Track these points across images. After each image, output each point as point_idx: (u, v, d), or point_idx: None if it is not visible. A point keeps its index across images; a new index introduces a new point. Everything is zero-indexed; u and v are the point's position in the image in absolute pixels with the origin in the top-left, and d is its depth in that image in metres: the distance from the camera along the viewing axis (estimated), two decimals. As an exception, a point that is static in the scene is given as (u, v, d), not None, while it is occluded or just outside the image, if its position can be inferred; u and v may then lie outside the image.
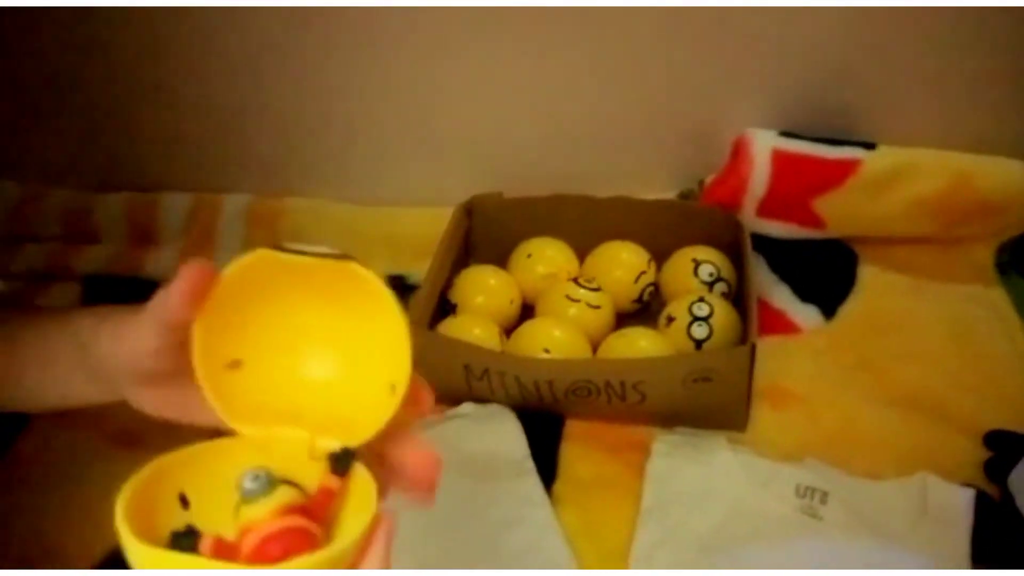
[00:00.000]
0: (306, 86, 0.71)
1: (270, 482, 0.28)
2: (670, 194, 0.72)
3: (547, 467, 0.56)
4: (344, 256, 0.31)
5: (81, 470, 0.58)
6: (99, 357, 0.36)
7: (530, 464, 0.56)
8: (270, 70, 0.71)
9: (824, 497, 0.50)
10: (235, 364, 0.33)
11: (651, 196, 0.69)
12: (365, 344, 0.32)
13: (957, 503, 0.49)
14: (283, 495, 0.29)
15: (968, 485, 0.50)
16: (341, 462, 0.30)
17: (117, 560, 0.27)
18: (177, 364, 0.33)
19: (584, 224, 0.68)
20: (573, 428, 0.59)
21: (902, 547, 0.48)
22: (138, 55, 0.70)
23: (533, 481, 0.55)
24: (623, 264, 0.66)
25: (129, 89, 0.73)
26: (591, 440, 0.58)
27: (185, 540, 0.27)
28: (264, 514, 0.28)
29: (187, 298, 0.30)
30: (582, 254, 0.68)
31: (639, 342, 0.59)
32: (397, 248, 0.74)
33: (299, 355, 0.33)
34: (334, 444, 0.31)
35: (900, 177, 0.64)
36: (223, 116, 0.75)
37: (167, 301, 0.31)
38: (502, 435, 0.58)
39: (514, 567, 0.49)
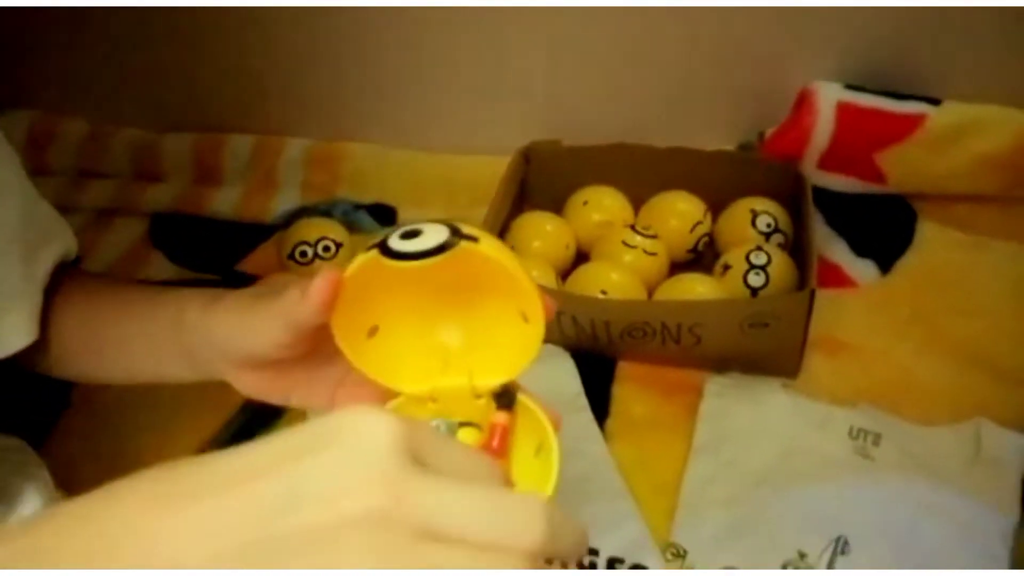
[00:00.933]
0: (367, 33, 0.73)
1: (450, 427, 0.29)
2: (729, 146, 0.72)
3: (600, 406, 0.58)
4: (456, 236, 0.30)
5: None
6: (201, 339, 0.37)
7: (583, 401, 0.57)
8: (332, 16, 0.72)
9: (877, 439, 0.51)
10: (372, 331, 0.34)
11: (711, 148, 0.70)
12: (485, 288, 0.33)
13: (1010, 448, 0.49)
14: (467, 437, 0.30)
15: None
16: (506, 397, 0.31)
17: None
18: (296, 355, 0.35)
19: (641, 174, 0.69)
20: (625, 370, 0.60)
21: (954, 489, 0.48)
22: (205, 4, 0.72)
23: (587, 417, 0.56)
24: (679, 213, 0.67)
25: (196, 33, 0.75)
26: (644, 381, 0.59)
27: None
28: None
29: (321, 308, 0.32)
30: (638, 203, 0.69)
31: (696, 287, 0.60)
32: (454, 194, 0.75)
33: (427, 314, 0.34)
34: (494, 382, 0.32)
35: (965, 133, 0.63)
36: (286, 61, 0.76)
37: (301, 307, 0.32)
38: (557, 373, 0.59)
39: (570, 494, 0.51)
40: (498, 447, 0.30)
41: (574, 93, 0.74)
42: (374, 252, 0.30)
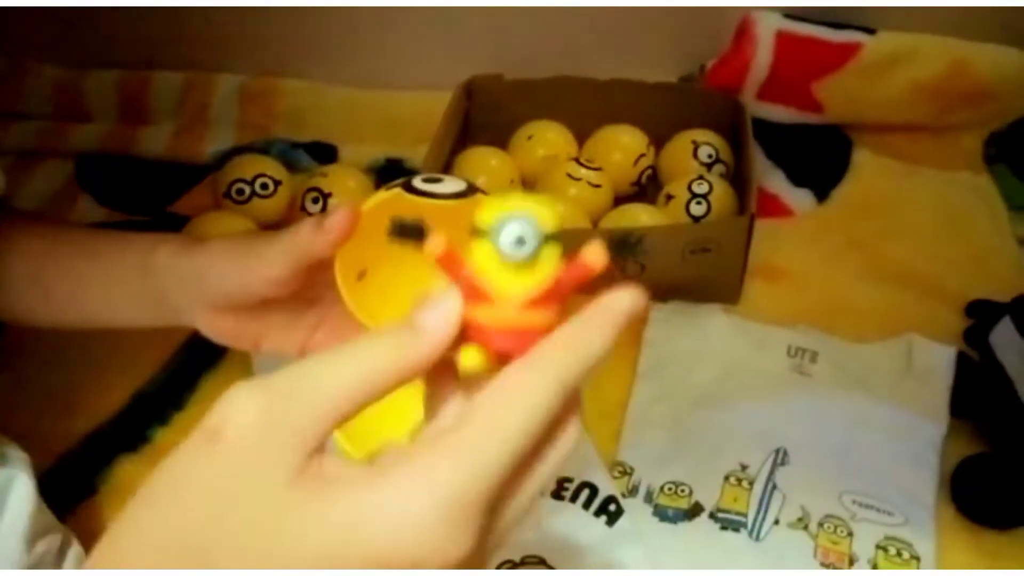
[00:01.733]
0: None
1: (537, 237, 0.22)
2: (671, 78, 0.72)
3: (546, 336, 0.58)
4: (472, 190, 0.30)
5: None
6: (178, 281, 0.36)
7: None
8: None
9: (814, 356, 0.53)
10: (361, 275, 0.34)
11: (653, 80, 0.69)
12: None
13: (939, 360, 0.51)
14: (547, 263, 0.23)
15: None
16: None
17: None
18: (282, 294, 0.34)
19: (584, 106, 0.68)
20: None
21: (887, 401, 0.50)
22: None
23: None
24: (622, 147, 0.67)
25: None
26: (589, 311, 0.60)
27: (411, 227, 0.23)
28: (525, 289, 0.22)
29: (337, 240, 0.32)
30: (582, 137, 0.69)
31: (640, 216, 0.60)
32: (395, 131, 0.74)
33: (422, 262, 0.33)
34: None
35: (899, 62, 0.65)
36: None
37: (316, 238, 0.32)
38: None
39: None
40: (565, 293, 0.23)
41: (514, 26, 0.73)
42: (397, 189, 0.30)
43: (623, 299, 0.24)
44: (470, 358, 0.23)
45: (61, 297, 0.41)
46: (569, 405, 0.23)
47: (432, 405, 0.24)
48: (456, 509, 0.20)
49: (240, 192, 0.65)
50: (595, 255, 0.23)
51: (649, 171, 0.67)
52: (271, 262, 0.34)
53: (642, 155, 0.66)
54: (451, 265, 0.23)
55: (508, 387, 0.21)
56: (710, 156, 0.65)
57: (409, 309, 0.24)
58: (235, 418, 0.20)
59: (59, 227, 0.43)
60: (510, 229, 0.22)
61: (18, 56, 0.78)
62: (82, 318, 0.41)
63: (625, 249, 0.25)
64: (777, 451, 0.48)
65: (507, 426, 0.21)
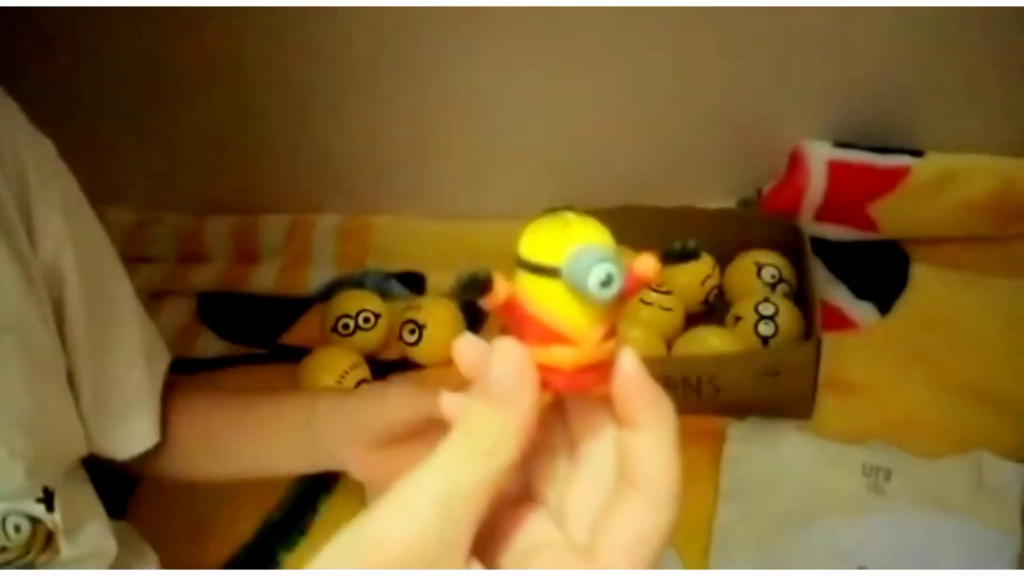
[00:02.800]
0: (391, 111, 0.79)
1: (623, 273, 0.21)
2: (729, 202, 0.77)
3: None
4: None
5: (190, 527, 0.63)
6: (335, 423, 0.43)
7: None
8: (355, 99, 0.78)
9: (888, 474, 0.56)
10: None
11: (712, 205, 0.75)
12: None
13: (1009, 477, 0.54)
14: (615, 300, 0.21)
15: (1021, 462, 0.55)
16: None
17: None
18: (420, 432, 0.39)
19: (651, 233, 0.74)
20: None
21: (960, 517, 0.53)
22: (235, 93, 0.78)
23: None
24: (690, 269, 0.72)
25: (232, 122, 0.81)
26: (669, 430, 0.64)
27: (473, 283, 0.21)
28: (605, 325, 0.22)
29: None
30: (651, 261, 0.74)
31: (711, 340, 0.65)
32: (477, 258, 0.80)
33: None
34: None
35: (948, 181, 0.69)
36: (313, 143, 0.82)
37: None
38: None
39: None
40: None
41: (581, 160, 0.80)
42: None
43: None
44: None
45: (227, 453, 0.47)
46: None
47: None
48: None
49: (345, 327, 0.73)
50: (647, 265, 0.23)
51: (716, 291, 0.72)
52: (404, 401, 0.40)
53: (708, 276, 0.71)
54: (514, 311, 0.22)
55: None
56: (773, 276, 0.69)
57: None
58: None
59: (222, 392, 0.51)
60: (599, 271, 0.20)
61: (142, 206, 0.88)
62: (243, 470, 0.48)
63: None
64: (859, 571, 0.51)
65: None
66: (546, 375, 0.22)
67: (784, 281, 0.69)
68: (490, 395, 0.21)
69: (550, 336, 0.21)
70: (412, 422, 0.40)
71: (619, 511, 0.21)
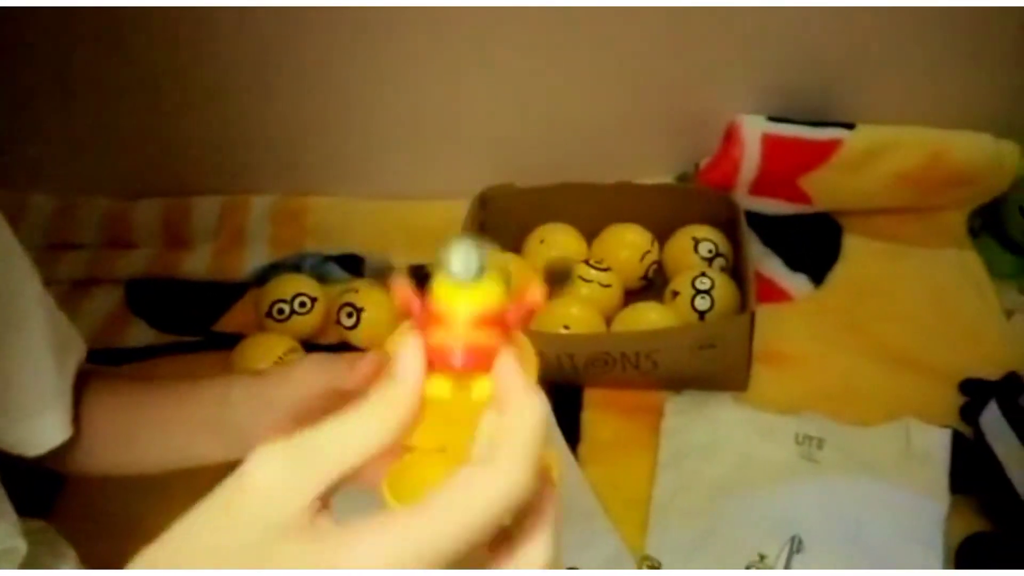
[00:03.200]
0: (324, 90, 0.77)
1: (482, 265, 0.25)
2: (668, 178, 0.77)
3: (571, 432, 0.63)
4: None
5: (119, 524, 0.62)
6: (251, 409, 0.41)
7: (556, 431, 0.62)
8: (288, 76, 0.76)
9: (820, 443, 0.57)
10: None
11: (650, 181, 0.75)
12: None
13: (936, 442, 0.55)
14: (489, 290, 0.25)
15: (946, 427, 0.57)
16: (560, 276, 0.28)
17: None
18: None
19: (590, 209, 0.74)
20: (592, 396, 0.65)
21: (891, 484, 0.54)
22: (167, 71, 0.75)
23: (560, 444, 0.61)
24: (629, 245, 0.72)
25: (158, 103, 0.78)
26: (609, 406, 0.64)
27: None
28: (467, 310, 0.25)
29: (363, 383, 0.35)
30: (590, 237, 0.74)
31: (649, 315, 0.65)
32: (417, 239, 0.79)
33: None
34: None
35: (879, 154, 0.70)
36: (245, 122, 0.80)
37: (348, 376, 0.36)
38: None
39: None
40: (511, 325, 0.26)
41: (522, 137, 0.79)
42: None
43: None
44: (435, 387, 0.25)
45: (141, 444, 0.46)
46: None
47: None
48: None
49: (280, 312, 0.71)
50: (536, 293, 0.26)
51: (655, 266, 0.72)
52: (315, 378, 0.39)
53: (647, 252, 0.72)
54: (415, 299, 0.26)
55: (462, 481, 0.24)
56: (710, 251, 0.70)
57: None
58: (258, 471, 0.24)
59: (136, 381, 0.48)
60: (458, 251, 0.25)
61: (64, 192, 0.85)
62: (160, 461, 0.46)
63: (560, 280, 0.28)
64: (792, 539, 0.52)
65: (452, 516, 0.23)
66: (432, 358, 0.25)
67: (721, 255, 0.70)
68: (390, 372, 0.25)
69: (434, 319, 0.25)
70: (324, 395, 0.39)
71: (458, 472, 0.24)
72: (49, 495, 0.62)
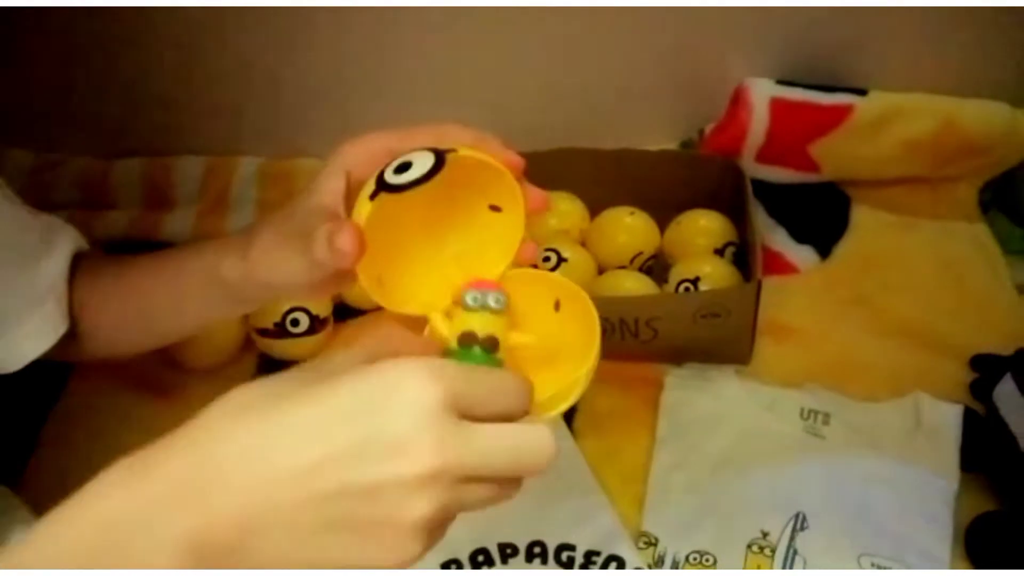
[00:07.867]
0: (314, 49, 0.73)
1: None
2: (672, 144, 0.75)
3: (566, 403, 0.60)
4: (440, 159, 0.32)
5: (121, 422, 0.61)
6: (239, 289, 0.40)
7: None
8: (279, 36, 0.72)
9: (826, 418, 0.54)
10: (380, 282, 0.35)
11: (653, 147, 0.72)
12: (468, 197, 0.36)
13: (947, 418, 0.53)
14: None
15: (957, 403, 0.55)
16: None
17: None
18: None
19: (591, 176, 0.71)
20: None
21: (898, 460, 0.52)
22: (149, 25, 0.72)
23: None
24: (622, 246, 0.68)
25: (140, 57, 0.75)
26: (606, 377, 0.61)
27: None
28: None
29: (348, 260, 0.33)
30: (589, 205, 0.71)
31: (626, 283, 0.63)
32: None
33: (428, 237, 0.36)
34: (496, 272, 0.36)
35: (890, 121, 0.67)
36: (233, 81, 0.76)
37: (329, 258, 0.34)
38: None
39: (545, 492, 0.53)
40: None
41: (520, 100, 0.76)
42: (380, 195, 0.32)
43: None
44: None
45: (135, 318, 0.45)
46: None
47: None
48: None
49: (265, 275, 0.68)
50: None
51: (651, 262, 0.68)
52: (300, 267, 0.37)
53: (639, 253, 0.68)
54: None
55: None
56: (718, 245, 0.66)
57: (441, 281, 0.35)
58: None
59: (122, 258, 0.48)
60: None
61: (43, 149, 0.81)
62: (158, 335, 0.47)
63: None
64: (796, 516, 0.50)
65: None
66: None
67: (731, 244, 0.67)
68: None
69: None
70: (321, 274, 0.37)
71: None
72: (20, 462, 0.60)
